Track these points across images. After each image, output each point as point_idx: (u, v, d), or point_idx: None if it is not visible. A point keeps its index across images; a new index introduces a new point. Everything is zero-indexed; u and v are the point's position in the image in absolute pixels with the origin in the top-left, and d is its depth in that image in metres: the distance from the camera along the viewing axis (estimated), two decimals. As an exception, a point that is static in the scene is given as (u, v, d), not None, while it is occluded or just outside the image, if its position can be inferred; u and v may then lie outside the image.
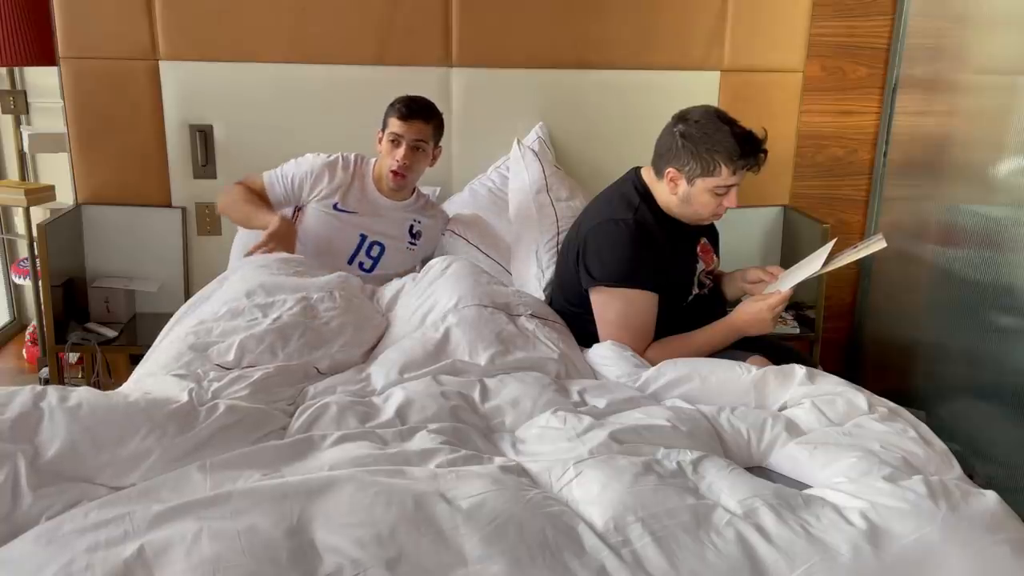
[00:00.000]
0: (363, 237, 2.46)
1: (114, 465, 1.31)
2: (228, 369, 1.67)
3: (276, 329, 1.79)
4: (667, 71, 2.82)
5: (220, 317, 1.85)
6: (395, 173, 2.39)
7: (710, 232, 2.22)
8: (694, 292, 2.11)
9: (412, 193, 2.55)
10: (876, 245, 1.86)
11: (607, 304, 2.02)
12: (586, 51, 2.80)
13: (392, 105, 2.39)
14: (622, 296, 2.00)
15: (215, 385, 1.57)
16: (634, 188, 2.09)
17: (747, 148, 1.93)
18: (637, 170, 2.14)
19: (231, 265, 2.56)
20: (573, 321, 2.11)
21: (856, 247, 1.93)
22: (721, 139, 1.93)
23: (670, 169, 2.00)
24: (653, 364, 1.87)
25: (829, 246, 1.97)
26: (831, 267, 1.94)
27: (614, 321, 2.01)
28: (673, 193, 2.02)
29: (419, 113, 2.37)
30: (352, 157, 2.51)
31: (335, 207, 2.44)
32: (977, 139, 2.60)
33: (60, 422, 1.32)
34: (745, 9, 2.81)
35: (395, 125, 2.36)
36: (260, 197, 2.47)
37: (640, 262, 1.99)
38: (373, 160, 2.51)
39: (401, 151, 2.36)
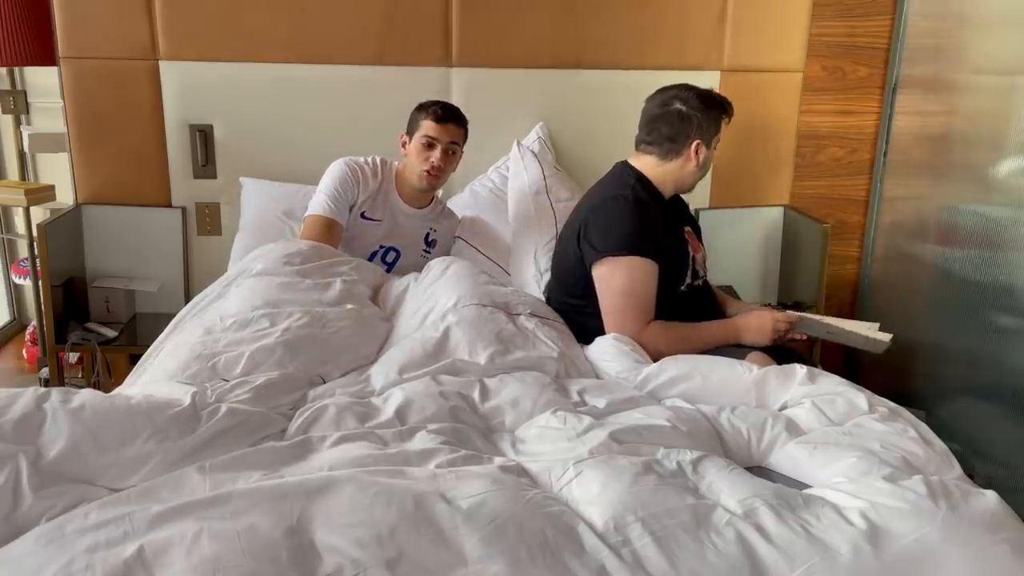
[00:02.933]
0: (381, 246, 2.47)
1: (116, 467, 1.31)
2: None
3: (284, 342, 1.78)
4: (667, 71, 2.81)
5: (227, 328, 1.84)
6: (429, 173, 2.38)
7: (692, 222, 2.27)
8: (688, 280, 2.12)
9: (431, 200, 2.54)
10: (883, 340, 1.99)
11: (611, 274, 2.03)
12: (586, 51, 2.81)
13: (424, 108, 2.39)
14: (626, 264, 2.02)
15: (219, 389, 1.57)
16: (626, 173, 2.14)
17: (723, 99, 2.14)
18: (624, 161, 2.19)
19: (231, 266, 2.56)
20: (573, 316, 2.12)
21: (869, 328, 2.02)
22: (710, 98, 2.11)
23: (695, 141, 2.09)
24: (652, 344, 1.93)
25: (875, 328, 2.04)
26: (835, 328, 2.03)
27: (619, 290, 2.02)
28: (697, 165, 2.12)
29: (454, 117, 2.39)
30: (378, 162, 2.50)
31: (363, 215, 2.44)
32: (977, 139, 2.60)
33: (63, 424, 1.32)
34: (745, 9, 2.81)
35: (430, 128, 2.36)
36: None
37: (641, 231, 2.03)
38: (395, 163, 2.50)
39: (437, 153, 2.36)
